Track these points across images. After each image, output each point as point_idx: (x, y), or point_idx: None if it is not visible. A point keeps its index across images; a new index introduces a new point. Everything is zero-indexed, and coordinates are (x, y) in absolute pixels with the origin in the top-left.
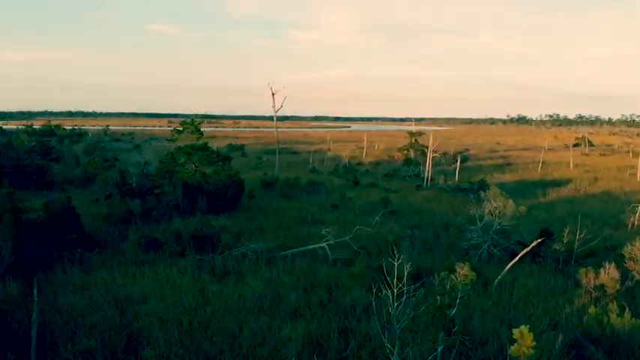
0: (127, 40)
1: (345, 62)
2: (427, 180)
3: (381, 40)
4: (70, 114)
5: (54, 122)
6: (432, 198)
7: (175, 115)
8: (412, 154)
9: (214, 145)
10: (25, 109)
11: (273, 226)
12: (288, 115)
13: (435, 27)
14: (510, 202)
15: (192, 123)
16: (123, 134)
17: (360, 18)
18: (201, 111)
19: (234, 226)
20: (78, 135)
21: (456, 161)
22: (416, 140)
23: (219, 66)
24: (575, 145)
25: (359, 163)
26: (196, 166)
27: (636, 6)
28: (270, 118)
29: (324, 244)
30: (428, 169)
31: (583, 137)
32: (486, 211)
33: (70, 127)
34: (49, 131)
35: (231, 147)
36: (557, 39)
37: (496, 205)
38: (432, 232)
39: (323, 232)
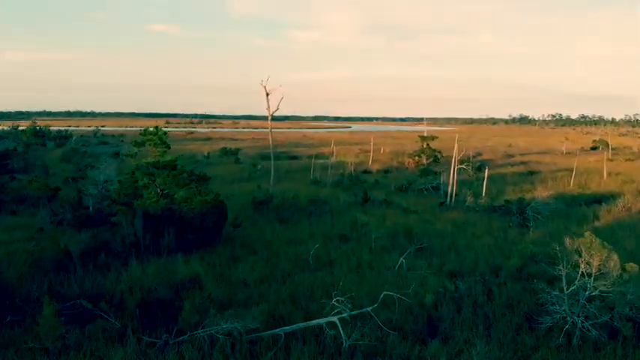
0: (126, 40)
1: (345, 62)
2: (451, 196)
3: (381, 40)
4: (68, 114)
5: (41, 123)
6: (463, 222)
7: (175, 115)
8: (424, 161)
9: (207, 149)
10: (24, 109)
11: (262, 274)
12: (288, 115)
13: (435, 27)
14: (615, 257)
15: (155, 132)
16: (114, 136)
17: (360, 18)
18: (201, 111)
19: (206, 277)
20: (64, 137)
21: (480, 170)
22: (428, 145)
23: (219, 66)
24: (593, 149)
25: (365, 171)
26: (161, 190)
27: (636, 6)
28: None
29: (334, 319)
30: (452, 183)
31: (601, 140)
32: (580, 272)
33: (57, 129)
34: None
35: (224, 151)
36: (557, 39)
37: (590, 260)
38: (480, 282)
39: (334, 302)
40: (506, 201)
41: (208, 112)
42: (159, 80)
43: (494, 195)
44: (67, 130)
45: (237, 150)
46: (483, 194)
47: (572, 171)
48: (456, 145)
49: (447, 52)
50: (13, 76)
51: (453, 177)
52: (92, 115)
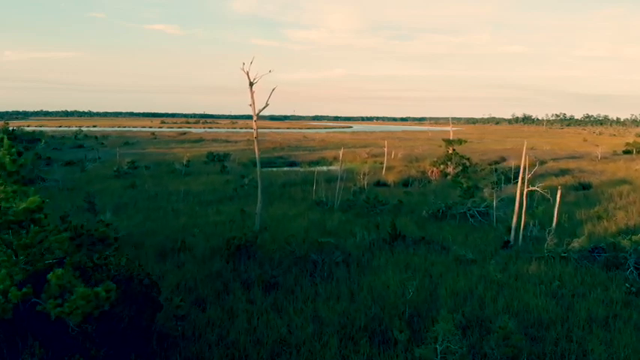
0: (126, 40)
1: (344, 62)
2: (516, 231)
3: (381, 40)
4: (65, 113)
5: (14, 124)
6: (558, 285)
7: (173, 115)
8: (451, 170)
9: (194, 152)
10: (21, 108)
11: None
12: (287, 114)
13: (434, 27)
14: None
15: None
16: (96, 137)
17: (359, 18)
18: (200, 111)
19: None
20: (35, 140)
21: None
22: (454, 150)
23: (218, 66)
24: (626, 152)
25: (379, 183)
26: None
27: (636, 6)
28: (270, 118)
29: None
30: (519, 213)
31: (635, 142)
32: None
33: (32, 129)
34: None
35: (210, 156)
36: (557, 39)
37: None
38: None
39: None
40: (614, 245)
41: (207, 112)
42: (158, 80)
43: (565, 224)
44: (41, 131)
45: (226, 155)
46: (554, 224)
47: (631, 183)
48: (524, 156)
49: (446, 52)
50: (11, 75)
51: (523, 202)
52: (89, 114)
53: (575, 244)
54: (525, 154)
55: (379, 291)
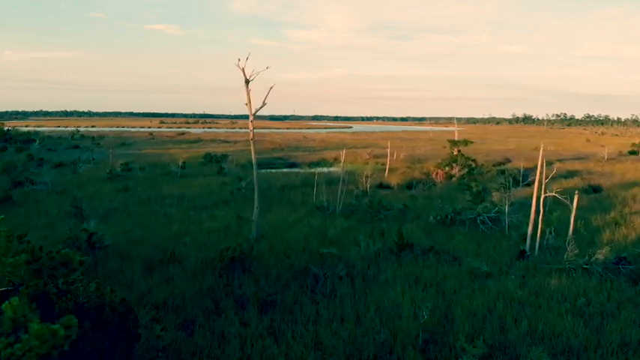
0: (126, 40)
1: (344, 62)
2: (532, 239)
3: (381, 40)
4: (65, 114)
5: (13, 124)
6: (584, 302)
7: (173, 115)
8: (456, 172)
9: (191, 153)
10: (21, 108)
11: None
12: (287, 114)
13: (434, 27)
14: None
15: None
16: (93, 137)
17: (359, 18)
18: (200, 111)
19: None
20: (30, 140)
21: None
22: (459, 152)
23: (218, 66)
24: (631, 153)
25: (382, 185)
26: None
27: (636, 6)
28: (269, 118)
29: None
30: (535, 220)
31: None
32: None
33: (28, 129)
34: None
35: (208, 157)
36: (557, 39)
37: None
38: None
39: None
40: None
41: (207, 112)
42: (158, 80)
43: (582, 232)
44: (36, 131)
45: (224, 156)
46: (571, 232)
47: None
48: (540, 158)
49: (446, 52)
50: (11, 75)
51: (540, 208)
52: (89, 115)
53: (600, 255)
54: (542, 157)
55: (388, 311)
